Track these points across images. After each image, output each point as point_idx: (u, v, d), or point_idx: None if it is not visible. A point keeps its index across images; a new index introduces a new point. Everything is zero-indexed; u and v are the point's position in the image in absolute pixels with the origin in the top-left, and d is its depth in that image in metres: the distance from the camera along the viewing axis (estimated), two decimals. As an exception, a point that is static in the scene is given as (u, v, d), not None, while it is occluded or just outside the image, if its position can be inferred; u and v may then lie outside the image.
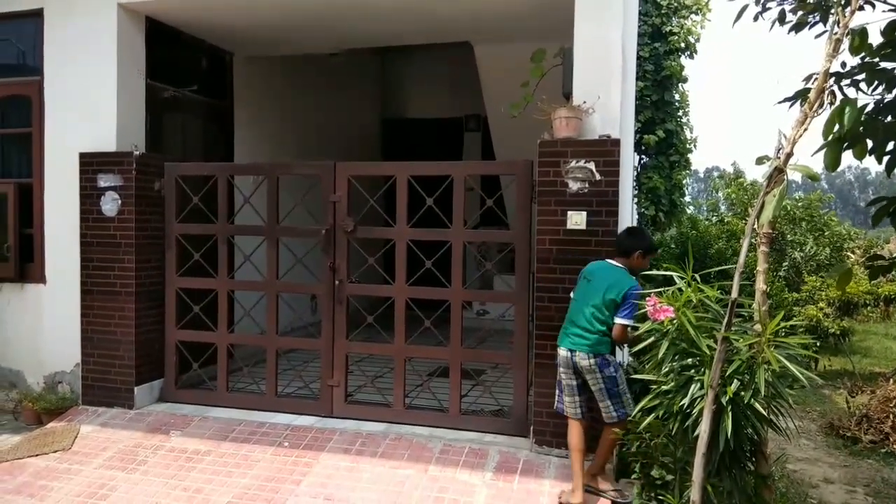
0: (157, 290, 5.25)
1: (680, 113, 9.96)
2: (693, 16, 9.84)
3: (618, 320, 3.64)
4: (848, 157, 2.76)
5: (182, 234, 5.27)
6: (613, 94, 4.23)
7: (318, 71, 8.08)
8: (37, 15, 5.36)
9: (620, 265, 3.78)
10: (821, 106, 2.64)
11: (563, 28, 5.14)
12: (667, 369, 3.11)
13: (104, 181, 5.06)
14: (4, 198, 5.46)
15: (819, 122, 2.59)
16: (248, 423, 4.84)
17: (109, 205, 5.05)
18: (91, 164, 5.11)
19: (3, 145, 5.58)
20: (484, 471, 4.10)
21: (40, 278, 5.45)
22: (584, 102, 4.15)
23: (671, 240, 11.54)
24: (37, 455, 4.52)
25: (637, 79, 7.17)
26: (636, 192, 8.36)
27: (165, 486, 4.09)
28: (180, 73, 5.97)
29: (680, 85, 9.80)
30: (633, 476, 3.80)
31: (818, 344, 7.83)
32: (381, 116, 10.41)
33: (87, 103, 5.19)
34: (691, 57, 9.77)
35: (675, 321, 3.02)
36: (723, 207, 13.48)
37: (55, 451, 4.56)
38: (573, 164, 4.15)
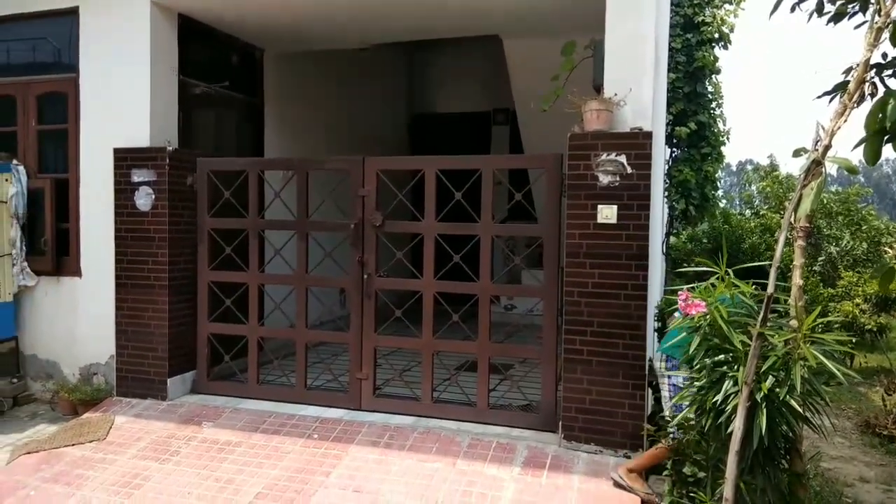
0: (189, 283, 5.34)
1: (713, 105, 9.78)
2: (727, 5, 9.66)
3: None
4: (886, 150, 2.68)
5: (213, 228, 5.35)
6: (645, 85, 4.17)
7: (347, 66, 8.11)
8: (72, 13, 5.46)
9: None
10: (861, 98, 2.57)
11: (594, 20, 5.08)
12: (699, 365, 3.06)
13: (138, 176, 5.15)
14: (41, 193, 5.59)
15: (857, 115, 2.53)
16: (278, 415, 4.90)
17: (143, 199, 5.14)
18: (125, 160, 5.20)
19: (40, 141, 5.70)
20: (512, 465, 4.09)
21: (76, 272, 5.57)
22: (615, 95, 4.10)
23: (702, 234, 11.37)
24: (73, 445, 4.62)
25: (669, 70, 7.07)
26: (667, 185, 8.25)
27: (198, 476, 4.16)
28: (212, 69, 6.04)
29: (713, 76, 9.63)
30: (665, 473, 3.76)
31: (854, 340, 7.63)
32: (408, 111, 10.42)
33: (122, 99, 5.28)
34: (725, 48, 9.58)
35: (707, 316, 2.98)
36: (756, 201, 13.23)
37: (90, 441, 4.66)
38: (604, 157, 4.10)
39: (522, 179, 6.50)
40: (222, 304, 5.31)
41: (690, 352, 3.01)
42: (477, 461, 4.16)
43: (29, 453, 4.54)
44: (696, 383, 3.09)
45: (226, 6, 5.33)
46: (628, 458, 4.10)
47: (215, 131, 6.14)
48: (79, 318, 5.57)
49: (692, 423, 3.26)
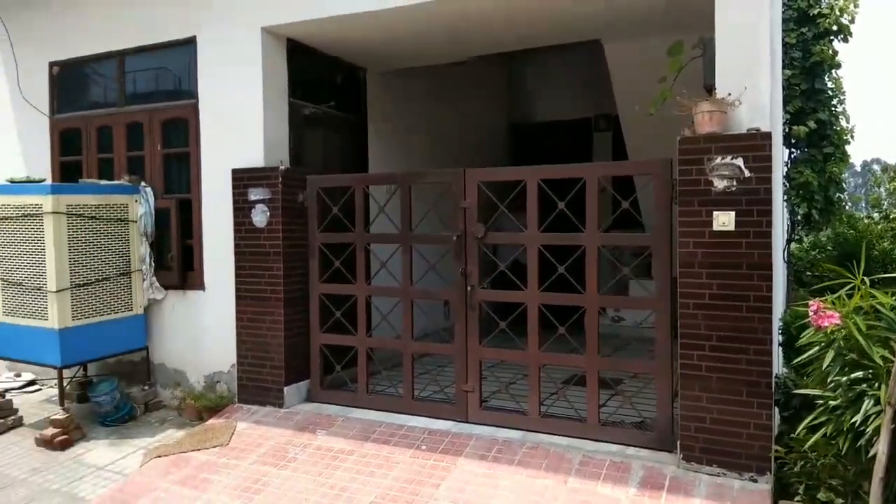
0: (301, 295, 5.55)
1: (834, 101, 9.13)
2: (845, -6, 9.00)
3: None
4: None
5: (323, 243, 5.54)
6: (762, 84, 3.94)
7: (444, 80, 8.21)
8: (190, 42, 5.85)
9: None
10: None
11: (699, 18, 4.86)
12: (833, 383, 2.83)
13: (254, 195, 5.42)
14: (168, 212, 6.00)
15: None
16: (388, 425, 4.98)
17: (259, 216, 5.41)
18: (242, 179, 5.49)
19: (165, 164, 6.12)
20: (627, 486, 3.93)
21: (200, 285, 5.93)
22: (729, 94, 3.89)
23: (827, 241, 10.58)
24: (198, 449, 4.90)
25: (784, 67, 6.65)
26: (786, 188, 7.75)
27: (314, 482, 4.29)
28: (318, 90, 6.28)
29: (832, 71, 8.99)
30: (797, 499, 3.50)
31: None
32: (507, 121, 10.39)
33: (237, 122, 5.59)
34: (845, 40, 8.92)
35: (842, 329, 2.75)
36: (885, 203, 12.16)
37: (214, 447, 4.92)
38: (718, 160, 3.89)
39: (626, 187, 6.32)
40: (333, 316, 5.47)
41: (824, 367, 2.79)
42: (589, 480, 4.03)
43: (160, 457, 4.85)
44: (830, 402, 2.86)
45: (331, 30, 5.52)
46: (754, 481, 3.85)
47: (322, 149, 6.37)
48: (203, 328, 5.92)
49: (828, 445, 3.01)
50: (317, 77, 6.31)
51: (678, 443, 4.14)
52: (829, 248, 10.10)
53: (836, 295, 2.78)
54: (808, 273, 7.08)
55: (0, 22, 6.64)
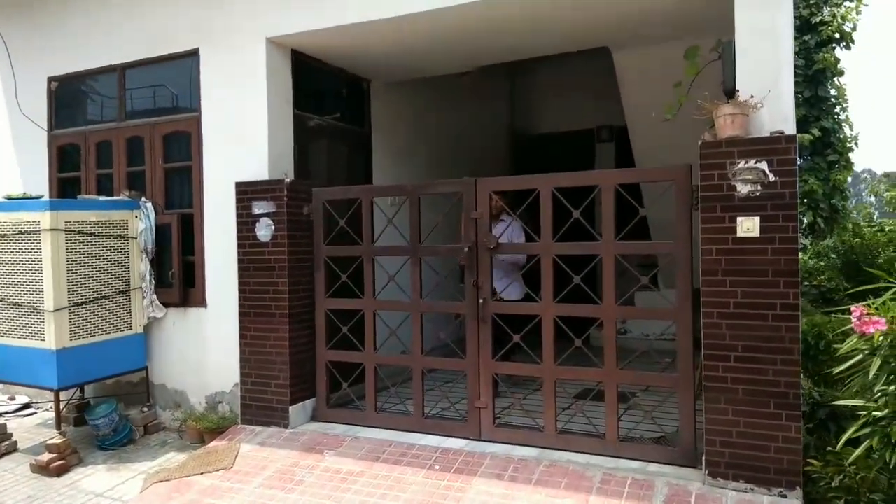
0: (307, 311, 5.38)
1: (837, 109, 9.09)
2: (847, 3, 9.00)
3: None
4: None
5: (329, 257, 5.39)
6: (784, 85, 3.84)
7: (448, 92, 8.12)
8: (193, 55, 5.74)
9: None
10: None
11: (709, 22, 4.80)
12: (879, 393, 2.69)
13: (258, 208, 5.28)
14: (168, 228, 5.85)
15: None
16: (398, 445, 4.80)
17: (264, 230, 5.26)
18: (246, 193, 5.35)
19: (166, 178, 5.98)
20: None
21: (201, 302, 5.76)
22: (752, 97, 3.78)
23: (829, 249, 10.46)
24: (201, 473, 4.70)
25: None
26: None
27: (323, 507, 4.11)
28: (323, 102, 6.17)
29: (835, 79, 8.96)
30: (837, 514, 3.34)
31: None
32: (508, 132, 10.30)
33: (241, 135, 5.46)
34: (847, 48, 8.91)
35: (888, 335, 2.61)
36: (876, 214, 12.09)
37: (218, 470, 4.72)
38: (741, 164, 3.78)
39: (630, 196, 6.22)
40: (339, 332, 5.31)
41: (870, 377, 2.65)
42: (612, 498, 3.86)
43: (160, 482, 4.66)
44: (874, 413, 2.72)
45: (337, 41, 5.42)
46: (784, 496, 3.69)
47: (327, 161, 6.25)
48: (205, 347, 5.74)
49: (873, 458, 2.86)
50: (321, 88, 6.20)
51: (703, 458, 3.98)
52: (833, 256, 9.99)
53: (881, 300, 2.65)
54: (806, 283, 6.94)
55: (-1, 36, 6.54)
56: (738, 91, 3.81)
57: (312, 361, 5.42)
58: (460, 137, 8.60)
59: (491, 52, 5.99)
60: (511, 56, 6.23)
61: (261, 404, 5.33)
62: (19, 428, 5.92)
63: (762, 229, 3.75)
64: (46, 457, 5.04)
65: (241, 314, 5.39)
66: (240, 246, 5.39)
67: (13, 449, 5.50)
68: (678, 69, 4.50)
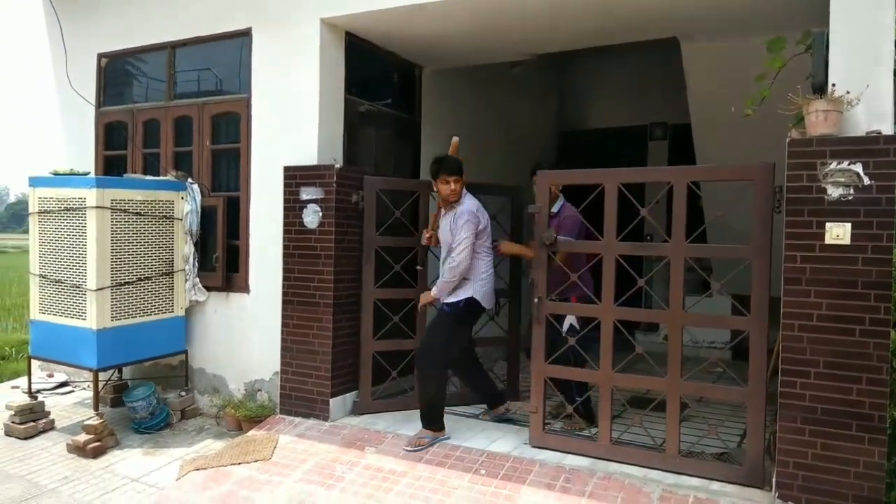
0: (352, 301, 5.21)
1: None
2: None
3: None
4: None
5: (381, 246, 5.23)
6: (883, 82, 3.52)
7: (497, 84, 7.88)
8: (245, 34, 5.58)
9: None
10: None
11: (796, 13, 4.49)
12: None
13: (306, 194, 5.11)
14: (214, 210, 5.72)
15: None
16: (442, 445, 4.61)
17: (311, 217, 5.09)
18: (294, 178, 5.19)
19: (214, 160, 5.86)
20: (720, 526, 3.51)
21: (244, 288, 5.63)
22: (848, 93, 3.48)
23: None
24: (238, 463, 4.57)
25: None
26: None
27: (365, 507, 3.93)
28: (374, 87, 5.98)
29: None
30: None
31: None
32: (557, 128, 10.01)
33: (291, 118, 5.30)
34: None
35: None
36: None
37: (255, 461, 4.59)
38: (833, 166, 3.48)
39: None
40: (385, 322, 5.13)
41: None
42: (674, 517, 3.62)
43: (197, 469, 4.54)
44: None
45: (391, 22, 5.21)
46: (864, 527, 3.41)
47: (375, 149, 6.06)
48: (245, 333, 5.61)
49: None
50: (373, 73, 6.00)
51: (773, 479, 3.71)
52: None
53: None
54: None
55: (53, 11, 6.47)
56: (833, 86, 3.50)
57: (354, 354, 5.25)
58: (508, 132, 8.35)
59: (548, 40, 5.71)
60: (571, 44, 5.94)
61: (300, 395, 5.18)
62: (56, 406, 5.88)
63: (853, 237, 3.45)
64: (83, 437, 4.96)
65: (285, 301, 5.24)
66: (286, 232, 5.23)
67: (50, 427, 5.45)
68: (750, 63, 4.20)
